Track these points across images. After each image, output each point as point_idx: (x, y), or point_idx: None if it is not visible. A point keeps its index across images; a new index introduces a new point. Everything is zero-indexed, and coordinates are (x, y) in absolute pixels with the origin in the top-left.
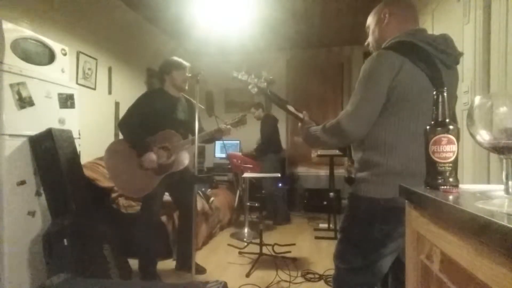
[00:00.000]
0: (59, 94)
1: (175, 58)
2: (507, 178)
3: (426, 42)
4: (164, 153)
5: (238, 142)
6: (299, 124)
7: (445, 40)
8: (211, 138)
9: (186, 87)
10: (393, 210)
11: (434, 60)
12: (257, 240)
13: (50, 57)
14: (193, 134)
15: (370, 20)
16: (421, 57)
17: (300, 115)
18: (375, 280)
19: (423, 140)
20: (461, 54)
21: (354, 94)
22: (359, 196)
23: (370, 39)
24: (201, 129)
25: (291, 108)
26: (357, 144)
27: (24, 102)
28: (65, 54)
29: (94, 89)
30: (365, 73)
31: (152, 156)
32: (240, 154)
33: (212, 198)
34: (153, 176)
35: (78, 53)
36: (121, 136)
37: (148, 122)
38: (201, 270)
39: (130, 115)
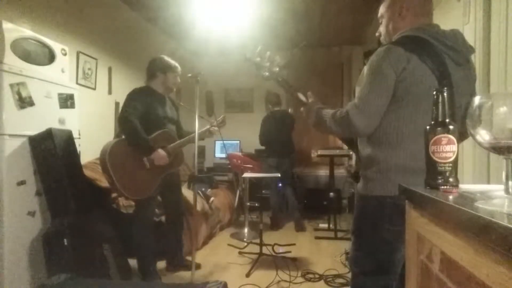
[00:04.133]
0: (59, 94)
1: (170, 59)
2: (507, 178)
3: (436, 38)
4: None
5: (238, 142)
6: (302, 108)
7: (455, 36)
8: (199, 138)
9: (175, 90)
10: (402, 209)
11: (443, 57)
12: (257, 240)
13: (50, 57)
14: (182, 132)
15: (384, 11)
16: (429, 54)
17: (305, 100)
18: (391, 282)
19: None
20: (471, 51)
21: (362, 88)
22: (366, 195)
23: (382, 29)
24: (181, 128)
25: (301, 96)
26: (362, 140)
27: (24, 102)
28: (65, 54)
29: (94, 89)
30: (373, 67)
31: (162, 153)
32: (240, 154)
33: (212, 198)
34: (154, 176)
35: (78, 53)
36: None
37: (143, 120)
38: (189, 266)
39: (129, 112)
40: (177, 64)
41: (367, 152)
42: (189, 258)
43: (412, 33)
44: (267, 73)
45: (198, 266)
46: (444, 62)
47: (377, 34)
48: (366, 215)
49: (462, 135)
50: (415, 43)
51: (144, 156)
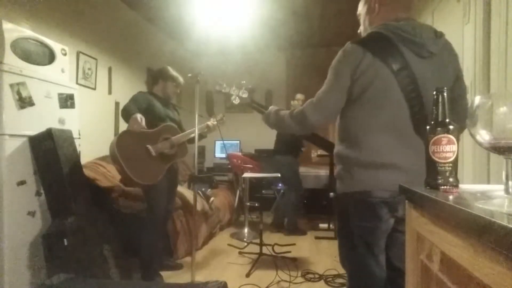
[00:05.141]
0: (59, 94)
1: (174, 71)
2: (507, 178)
3: (394, 32)
4: (167, 143)
5: (238, 142)
6: (262, 116)
7: (413, 29)
8: (200, 135)
9: (173, 99)
10: (368, 204)
11: (402, 51)
12: (257, 240)
13: (50, 57)
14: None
15: (361, 8)
16: (385, 49)
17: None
18: (378, 282)
19: (392, 132)
20: (437, 41)
21: (323, 85)
22: (338, 194)
23: (361, 27)
24: (183, 130)
25: None
26: (336, 139)
27: (24, 102)
28: (65, 54)
29: (94, 89)
30: (332, 65)
31: (136, 118)
32: (240, 154)
33: (212, 198)
34: (161, 164)
35: (78, 53)
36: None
37: (145, 116)
38: (172, 266)
39: (129, 105)
40: (179, 76)
41: (335, 151)
42: (188, 258)
43: (375, 30)
44: (238, 100)
45: (180, 266)
46: (403, 56)
47: (358, 31)
48: (340, 213)
49: None
50: (372, 40)
51: (147, 144)
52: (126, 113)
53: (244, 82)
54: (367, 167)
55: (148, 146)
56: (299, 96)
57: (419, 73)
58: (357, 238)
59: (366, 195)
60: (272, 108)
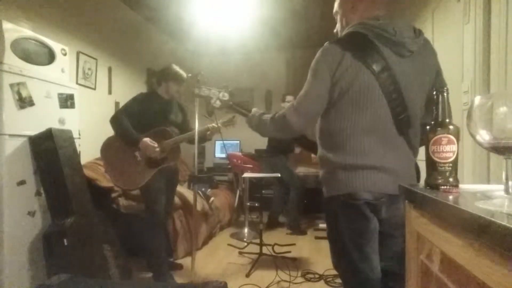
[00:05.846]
0: (59, 94)
1: (178, 68)
2: (507, 178)
3: (373, 31)
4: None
5: (238, 142)
6: (246, 119)
7: (393, 28)
8: (202, 137)
9: (176, 98)
10: (353, 206)
11: (381, 50)
12: (257, 240)
13: (50, 57)
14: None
15: (338, 6)
16: (365, 49)
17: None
18: (372, 285)
19: (374, 134)
20: (417, 41)
21: (303, 88)
22: (324, 198)
23: (338, 26)
24: (191, 129)
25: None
26: (318, 143)
27: (24, 102)
28: (65, 54)
29: (94, 89)
30: (311, 67)
31: (147, 142)
32: (240, 154)
33: (212, 198)
34: (147, 169)
35: (78, 53)
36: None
37: (142, 123)
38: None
39: (122, 112)
40: (181, 74)
41: (319, 155)
42: (188, 258)
43: (352, 29)
44: (218, 102)
45: (180, 266)
46: (383, 56)
47: (334, 31)
48: (328, 217)
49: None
50: (350, 40)
51: (134, 149)
52: (121, 129)
53: (225, 84)
54: (350, 169)
55: (136, 152)
56: (289, 98)
57: (400, 73)
58: (348, 241)
59: (350, 197)
60: (255, 111)
